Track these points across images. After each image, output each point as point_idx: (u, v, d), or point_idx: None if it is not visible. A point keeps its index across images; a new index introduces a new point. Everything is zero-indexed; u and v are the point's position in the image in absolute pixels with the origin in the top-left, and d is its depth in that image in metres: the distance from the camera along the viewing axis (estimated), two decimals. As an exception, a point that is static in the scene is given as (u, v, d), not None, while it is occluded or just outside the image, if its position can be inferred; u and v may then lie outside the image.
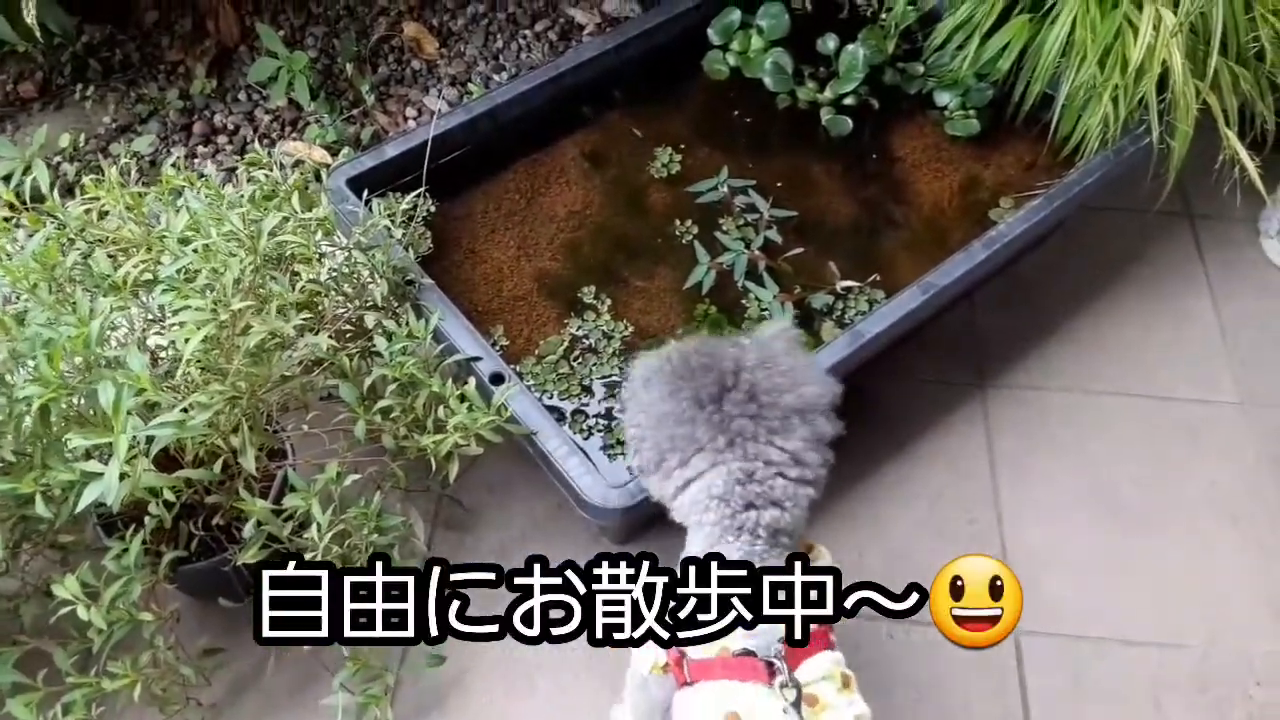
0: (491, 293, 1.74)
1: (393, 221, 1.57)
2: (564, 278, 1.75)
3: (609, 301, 1.71)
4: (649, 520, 1.37)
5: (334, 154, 2.25)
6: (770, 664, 1.00)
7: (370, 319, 1.49)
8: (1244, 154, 1.75)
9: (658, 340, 1.66)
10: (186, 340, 1.10)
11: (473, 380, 1.43)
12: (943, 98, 1.97)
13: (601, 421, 1.58)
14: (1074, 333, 1.96)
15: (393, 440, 1.43)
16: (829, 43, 2.01)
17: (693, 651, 1.04)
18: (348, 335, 1.54)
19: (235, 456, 1.21)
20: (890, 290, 1.70)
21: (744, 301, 1.71)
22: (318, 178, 1.75)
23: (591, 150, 1.93)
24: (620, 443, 1.54)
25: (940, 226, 1.84)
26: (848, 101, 1.96)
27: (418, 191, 1.63)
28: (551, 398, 1.59)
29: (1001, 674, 1.56)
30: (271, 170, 1.52)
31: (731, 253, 1.75)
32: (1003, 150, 1.95)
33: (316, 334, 1.40)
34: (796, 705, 0.99)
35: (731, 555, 1.03)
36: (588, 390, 1.60)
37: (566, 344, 1.64)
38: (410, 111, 2.42)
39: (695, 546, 1.06)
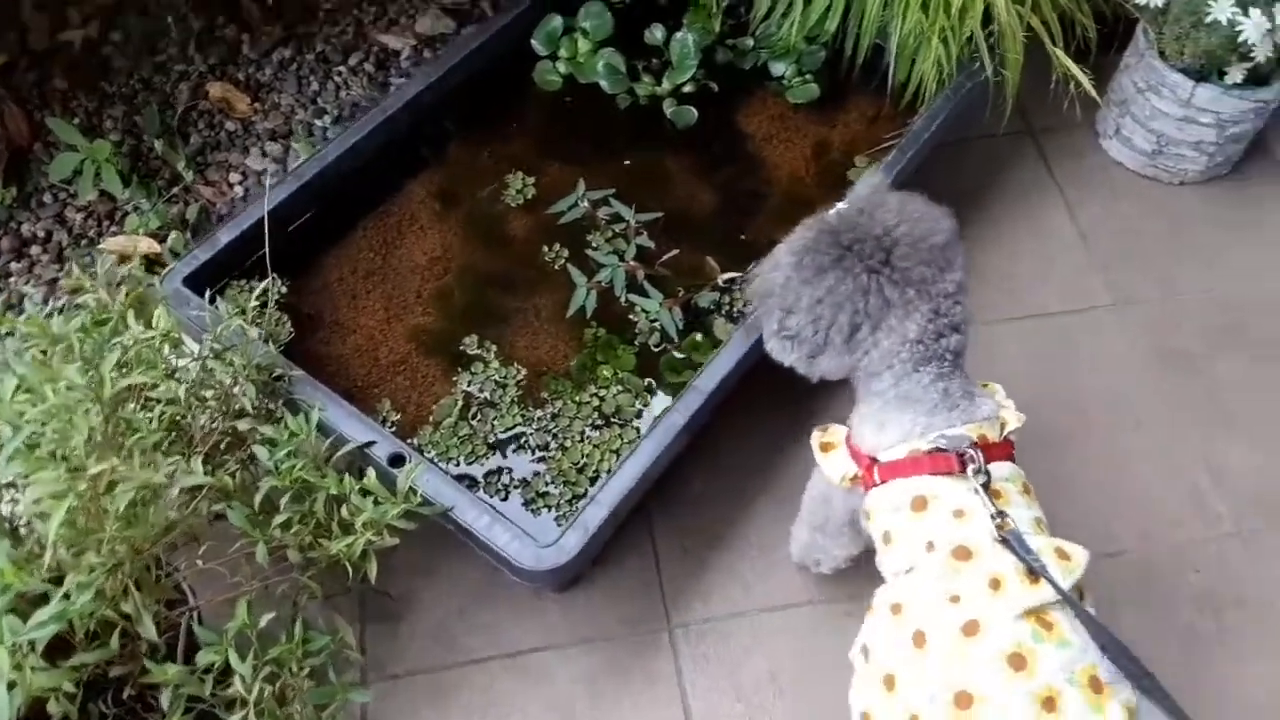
0: (368, 364, 1.64)
1: (245, 317, 1.45)
2: (441, 331, 1.67)
3: (494, 347, 1.63)
4: (591, 563, 1.33)
5: (162, 240, 2.09)
6: (961, 455, 1.11)
7: (244, 425, 1.37)
8: (1074, 68, 1.78)
9: (554, 376, 1.60)
10: (45, 519, 0.98)
11: (372, 470, 1.34)
12: (778, 67, 1.96)
13: (516, 477, 1.51)
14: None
15: (299, 554, 1.33)
16: (656, 33, 1.97)
17: (884, 455, 1.16)
18: (223, 448, 1.42)
19: (131, 623, 1.10)
20: (772, 274, 1.67)
21: (631, 316, 1.66)
22: (150, 269, 1.61)
23: (440, 189, 1.85)
24: (542, 495, 1.48)
25: (803, 197, 1.82)
26: (687, 89, 1.92)
27: (265, 282, 1.51)
28: (459, 465, 1.51)
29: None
30: (97, 290, 1.38)
31: (607, 268, 1.70)
32: (846, 109, 1.95)
33: (189, 460, 1.28)
34: (986, 489, 1.09)
35: (924, 382, 1.14)
36: (495, 448, 1.53)
37: (461, 403, 1.56)
38: (234, 177, 2.26)
39: (880, 385, 1.15)
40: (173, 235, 2.07)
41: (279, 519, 1.31)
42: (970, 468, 1.10)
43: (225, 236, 1.65)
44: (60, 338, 1.24)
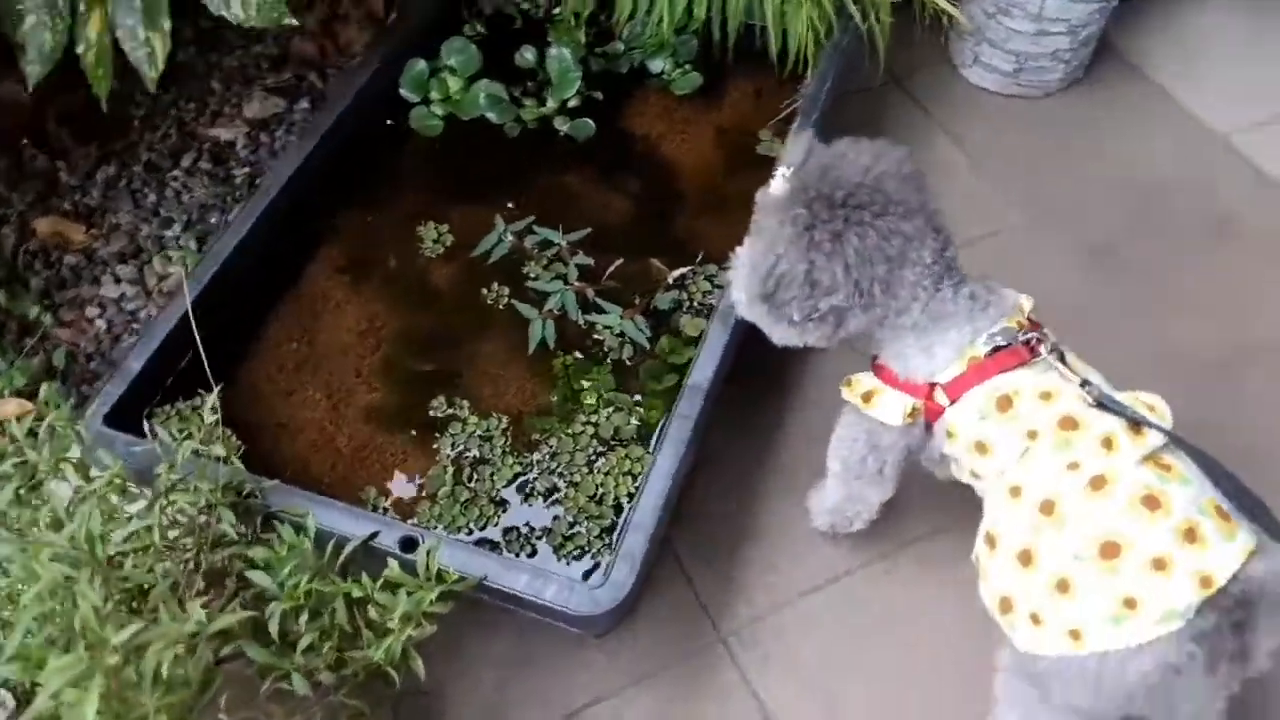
0: (330, 458, 1.49)
1: (197, 438, 1.29)
2: (399, 403, 1.54)
3: (465, 403, 1.52)
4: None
5: (32, 397, 1.86)
6: (1028, 343, 1.12)
7: (226, 554, 1.22)
8: (944, 3, 1.83)
9: (537, 416, 1.50)
10: (73, 710, 0.82)
11: (393, 562, 1.21)
12: (656, 64, 1.93)
13: (536, 527, 1.40)
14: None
15: (331, 673, 1.18)
16: (528, 55, 1.91)
17: (943, 375, 1.15)
18: (206, 586, 1.25)
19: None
20: (720, 259, 1.63)
21: (595, 335, 1.58)
22: (33, 434, 1.41)
23: (347, 261, 1.72)
24: (569, 538, 1.38)
25: (719, 181, 1.80)
26: (573, 104, 1.87)
27: (213, 395, 1.32)
28: (471, 532, 1.39)
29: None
30: (21, 452, 1.20)
31: (554, 295, 1.61)
32: (732, 90, 1.94)
33: (183, 607, 1.12)
34: (1064, 363, 1.12)
35: (949, 297, 1.15)
36: (501, 504, 1.41)
37: (451, 468, 1.44)
38: (92, 311, 2.05)
39: (910, 318, 1.15)
40: (44, 388, 1.85)
41: (303, 642, 1.16)
42: (1043, 348, 1.12)
43: (136, 363, 1.48)
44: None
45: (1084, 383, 1.10)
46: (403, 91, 1.88)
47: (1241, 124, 2.12)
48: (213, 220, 2.11)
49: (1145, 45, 2.29)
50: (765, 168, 1.68)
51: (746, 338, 1.43)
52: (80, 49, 1.70)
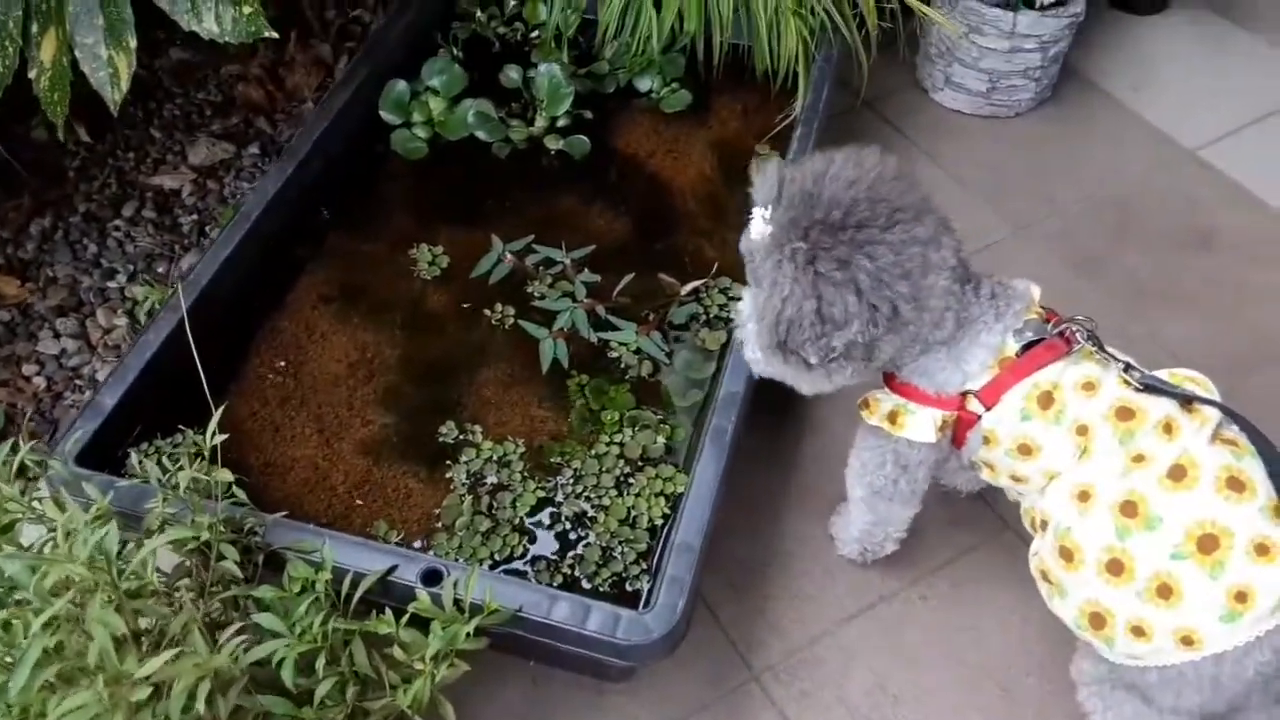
0: (326, 497, 1.38)
1: (195, 467, 1.16)
2: (400, 434, 1.43)
3: (476, 428, 1.41)
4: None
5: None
6: (1063, 334, 1.06)
7: (227, 595, 1.09)
8: (931, 11, 1.83)
9: (555, 440, 1.41)
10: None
11: (424, 594, 1.10)
12: (644, 83, 1.89)
13: (567, 555, 1.30)
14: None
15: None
16: (513, 74, 1.84)
17: (975, 382, 1.08)
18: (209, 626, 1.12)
19: None
20: (735, 273, 1.58)
21: (609, 353, 1.50)
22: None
23: (335, 288, 1.61)
24: (604, 564, 1.28)
25: (719, 195, 1.75)
26: (562, 124, 1.81)
27: (213, 419, 1.19)
28: (495, 565, 1.28)
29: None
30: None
31: (563, 313, 1.53)
32: (722, 108, 1.92)
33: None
34: (1102, 349, 1.06)
35: (971, 300, 1.07)
36: (526, 532, 1.31)
37: (468, 497, 1.33)
38: (29, 369, 1.90)
39: (943, 332, 1.06)
40: None
41: (321, 689, 1.04)
42: (1079, 335, 1.06)
43: (109, 399, 1.35)
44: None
45: (1127, 366, 1.05)
46: (383, 114, 1.79)
47: (1208, 137, 2.17)
48: (160, 270, 1.98)
49: (1104, 65, 2.34)
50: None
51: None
52: (33, 74, 1.58)
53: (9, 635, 0.79)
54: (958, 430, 1.15)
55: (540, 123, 1.79)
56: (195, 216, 2.11)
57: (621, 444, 1.38)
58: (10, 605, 0.81)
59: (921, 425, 1.13)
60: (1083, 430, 1.04)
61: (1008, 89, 2.16)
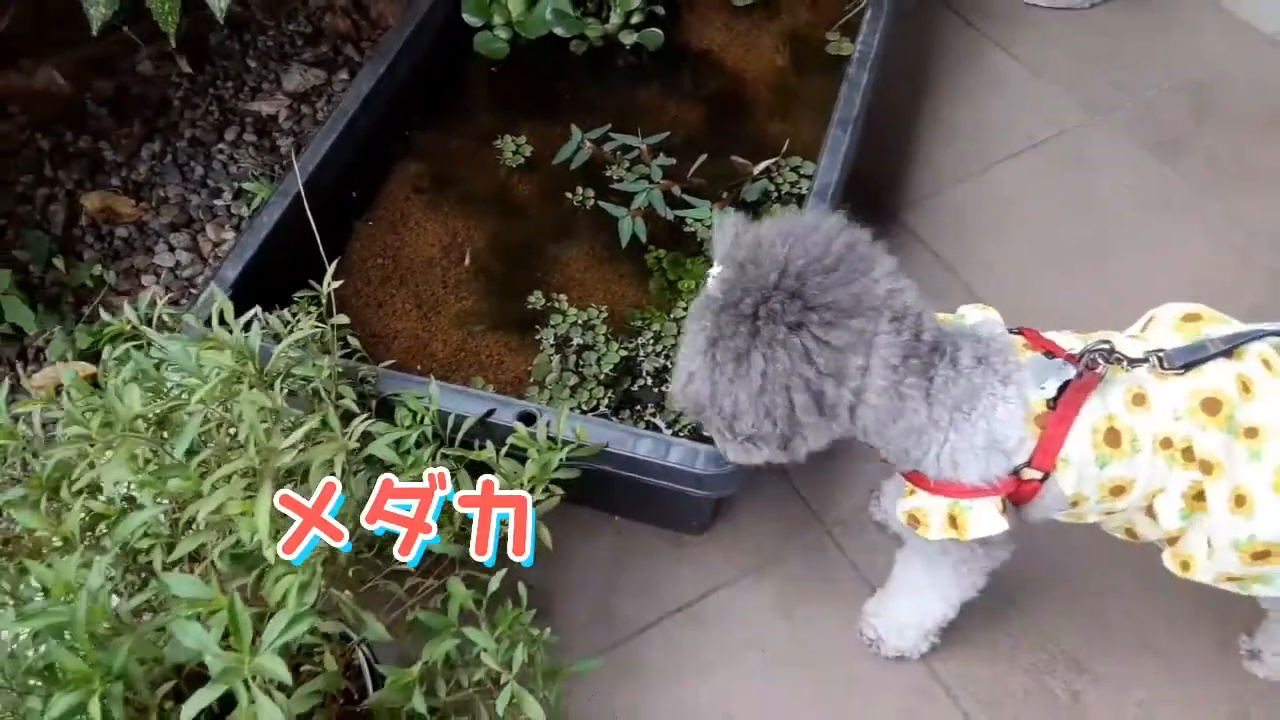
0: (426, 363, 1.49)
1: (315, 316, 1.28)
2: (491, 307, 1.54)
3: (563, 296, 1.51)
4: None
5: (96, 360, 1.85)
6: (1089, 365, 1.00)
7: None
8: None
9: (636, 308, 1.49)
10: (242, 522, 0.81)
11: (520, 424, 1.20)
12: (715, -23, 1.93)
13: (647, 404, 1.39)
14: (923, 148, 1.98)
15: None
16: (585, -27, 1.91)
17: (1019, 454, 1.01)
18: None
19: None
20: (806, 153, 1.63)
21: (684, 228, 1.58)
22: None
23: (428, 178, 1.71)
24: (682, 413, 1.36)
25: (791, 83, 1.80)
26: (635, 20, 1.87)
27: (328, 274, 1.28)
28: (583, 413, 1.37)
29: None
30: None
31: (641, 194, 1.61)
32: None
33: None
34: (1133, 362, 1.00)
35: (966, 372, 0.99)
36: (610, 385, 1.41)
37: (556, 355, 1.43)
38: (148, 279, 2.05)
39: (938, 411, 0.99)
40: (106, 350, 1.84)
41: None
42: (1101, 361, 1.00)
43: (232, 272, 1.47)
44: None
45: (1156, 350, 1.01)
46: (465, 16, 1.88)
47: (1295, 17, 2.13)
48: (245, 213, 2.10)
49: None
50: (837, 67, 1.70)
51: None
52: (143, -13, 1.69)
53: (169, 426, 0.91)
54: (1017, 497, 1.07)
55: (615, 19, 1.86)
56: (292, 139, 2.22)
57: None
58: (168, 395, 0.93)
59: (988, 517, 1.04)
60: (1166, 443, 1.00)
61: (1083, -23, 2.15)
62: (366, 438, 1.10)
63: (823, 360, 0.90)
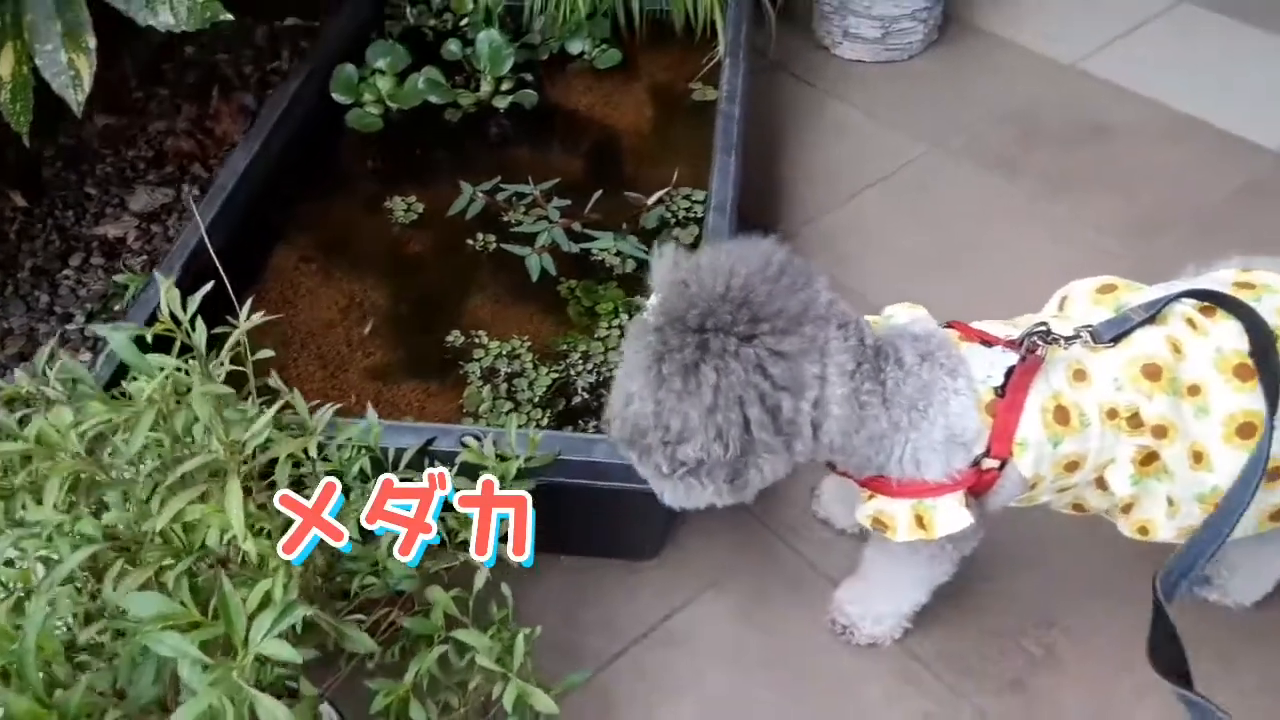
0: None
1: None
2: (404, 357, 1.49)
3: (481, 333, 1.48)
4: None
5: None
6: (1026, 346, 1.01)
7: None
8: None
9: (562, 336, 1.48)
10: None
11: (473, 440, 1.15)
12: (575, 45, 2.02)
13: (588, 418, 1.37)
14: (788, 186, 2.08)
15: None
16: (453, 47, 1.95)
17: (975, 445, 1.01)
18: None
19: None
20: (695, 183, 1.70)
21: (591, 259, 1.58)
22: None
23: (314, 247, 1.66)
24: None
25: (664, 129, 1.88)
26: (506, 87, 1.91)
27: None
28: (523, 434, 1.33)
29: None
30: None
31: (543, 233, 1.61)
32: (650, 62, 2.06)
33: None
34: (1055, 339, 1.01)
35: (911, 371, 1.00)
36: (546, 406, 1.37)
37: (486, 385, 1.39)
38: None
39: (879, 424, 0.99)
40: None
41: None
42: (1040, 344, 1.01)
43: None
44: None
45: (1079, 333, 1.02)
46: (335, 95, 1.88)
47: (1082, 52, 2.39)
48: (117, 308, 2.00)
49: (980, 10, 2.57)
50: (705, 111, 1.79)
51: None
52: (-11, 90, 1.61)
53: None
54: (977, 488, 1.06)
55: (486, 87, 1.90)
56: (145, 257, 2.13)
57: (621, 326, 1.45)
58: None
59: (953, 513, 1.03)
60: (1112, 414, 1.01)
61: (900, 33, 2.36)
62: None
63: (778, 371, 0.88)
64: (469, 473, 1.13)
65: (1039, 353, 1.01)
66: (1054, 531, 1.44)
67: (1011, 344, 1.04)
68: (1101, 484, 1.07)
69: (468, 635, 0.91)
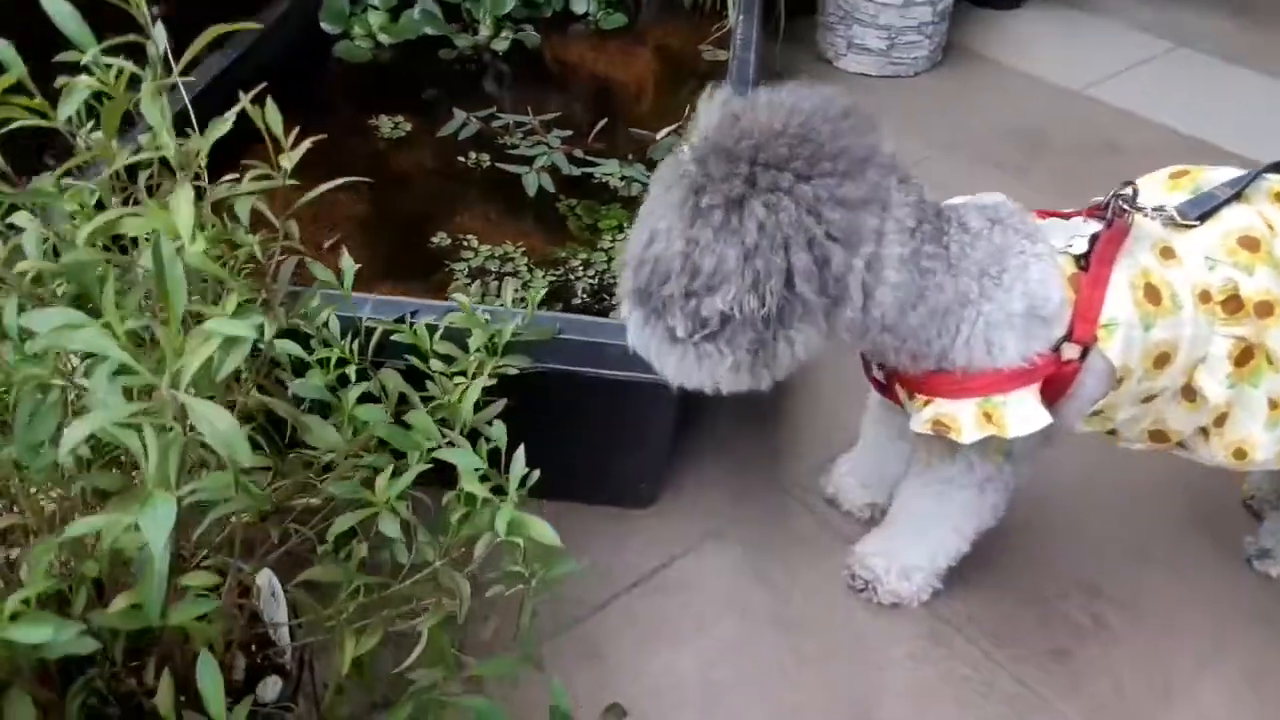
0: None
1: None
2: (381, 262, 1.32)
3: (470, 236, 1.32)
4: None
5: None
6: (1113, 212, 0.91)
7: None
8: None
9: (561, 246, 1.33)
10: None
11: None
12: (579, 5, 1.93)
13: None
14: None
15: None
16: (451, -11, 1.86)
17: (1057, 325, 0.88)
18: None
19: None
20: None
21: (593, 180, 1.45)
22: None
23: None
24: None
25: (670, 88, 1.78)
26: (504, 36, 1.81)
27: None
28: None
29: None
30: None
31: (541, 156, 1.48)
32: (656, 28, 1.98)
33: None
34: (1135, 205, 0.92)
35: (982, 237, 0.89)
36: (544, 305, 1.21)
37: (474, 282, 1.23)
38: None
39: (944, 294, 0.87)
40: None
41: (351, 396, 0.89)
42: (1124, 206, 0.91)
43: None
44: None
45: (1158, 209, 0.92)
46: (323, 25, 1.75)
47: (1090, 79, 2.37)
48: None
49: (984, 40, 2.56)
50: (716, 70, 1.69)
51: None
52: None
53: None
54: (1052, 387, 0.90)
55: (485, 31, 1.79)
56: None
57: (627, 238, 1.31)
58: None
59: (1029, 409, 0.87)
60: (1205, 297, 0.89)
61: (905, 45, 2.31)
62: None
63: (836, 216, 0.77)
64: (456, 338, 0.97)
65: (1126, 218, 0.89)
66: (1087, 499, 1.31)
67: (1093, 211, 0.92)
68: (1189, 395, 0.93)
69: (451, 454, 0.73)
